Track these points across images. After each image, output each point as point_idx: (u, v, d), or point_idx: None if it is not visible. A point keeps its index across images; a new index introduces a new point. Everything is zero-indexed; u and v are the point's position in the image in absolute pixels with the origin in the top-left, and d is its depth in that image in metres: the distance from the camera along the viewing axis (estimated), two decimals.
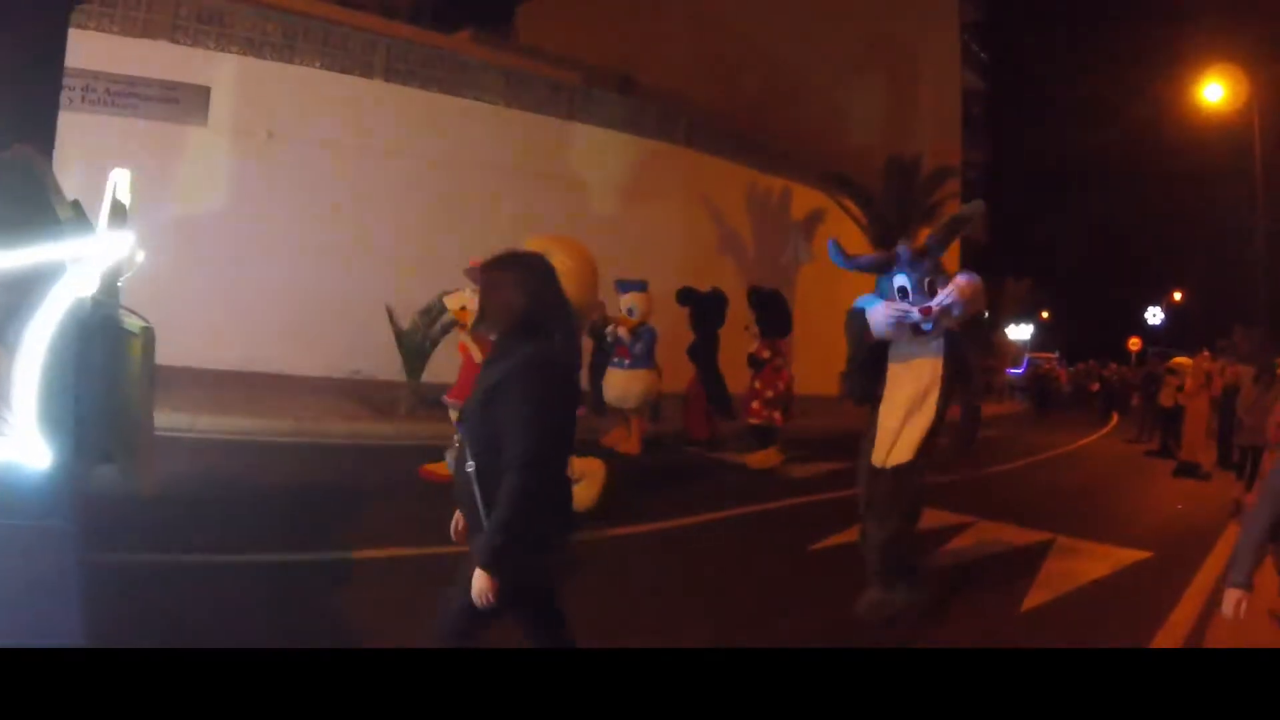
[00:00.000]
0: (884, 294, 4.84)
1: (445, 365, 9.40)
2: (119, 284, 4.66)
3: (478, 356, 7.09)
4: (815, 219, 23.15)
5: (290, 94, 14.68)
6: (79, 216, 3.65)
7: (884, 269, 4.90)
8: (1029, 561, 6.41)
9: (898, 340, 4.83)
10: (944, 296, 4.64)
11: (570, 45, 26.51)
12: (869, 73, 30.48)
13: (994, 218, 41.86)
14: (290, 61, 15.06)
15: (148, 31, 13.76)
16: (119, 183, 5.36)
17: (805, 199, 23.20)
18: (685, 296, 11.85)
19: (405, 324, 10.91)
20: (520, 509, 2.56)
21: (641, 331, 10.42)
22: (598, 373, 10.62)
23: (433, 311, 10.41)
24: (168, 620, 3.91)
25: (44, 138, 6.45)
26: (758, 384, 10.09)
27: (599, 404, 10.51)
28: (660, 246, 17.48)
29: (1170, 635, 4.91)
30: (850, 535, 5.59)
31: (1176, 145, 36.59)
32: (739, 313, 11.11)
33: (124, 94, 13.41)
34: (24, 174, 3.09)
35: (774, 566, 6.08)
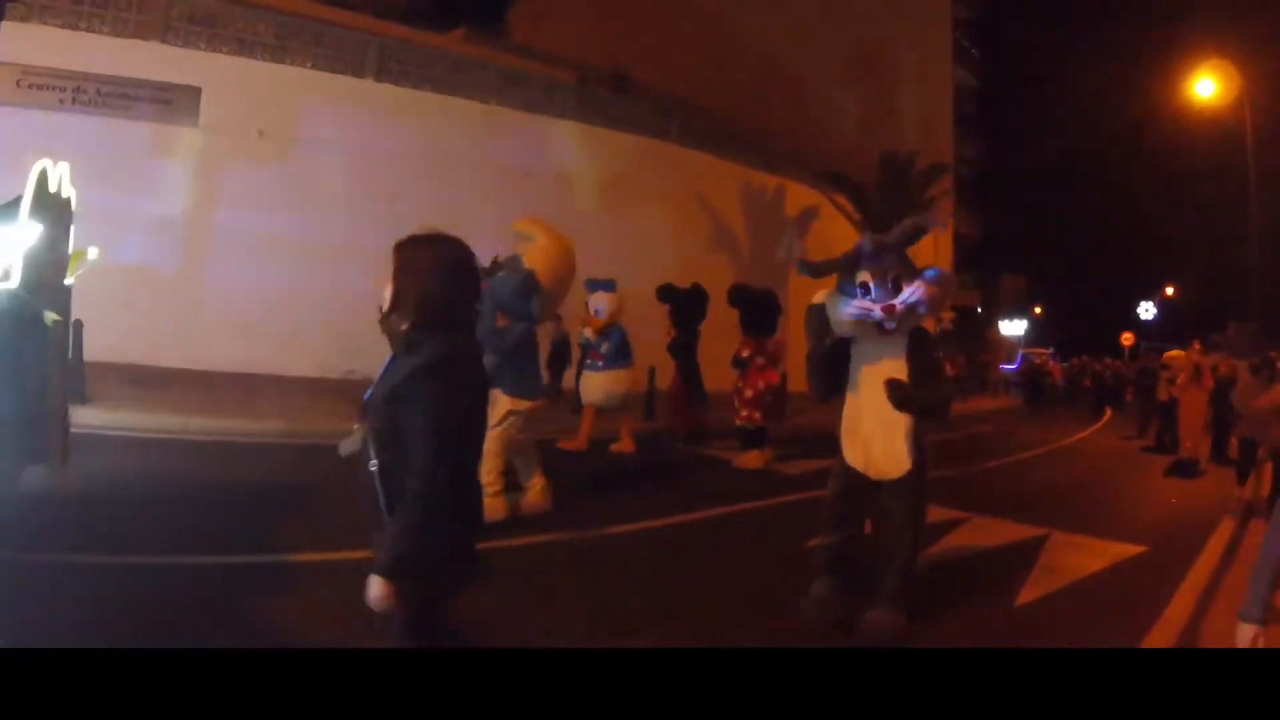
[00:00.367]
0: (846, 290, 4.65)
1: None
2: (42, 277, 4.64)
3: None
4: (809, 216, 23.17)
5: (282, 94, 14.66)
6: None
7: (848, 266, 4.69)
8: (1024, 556, 6.41)
9: (861, 339, 4.66)
10: (909, 294, 4.45)
11: (563, 44, 26.50)
12: (862, 70, 30.53)
13: (987, 214, 42.03)
14: (282, 62, 15.05)
15: (139, 32, 13.74)
16: (50, 175, 5.36)
17: (799, 196, 23.23)
18: (666, 293, 11.78)
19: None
20: (423, 516, 2.44)
21: (609, 332, 10.27)
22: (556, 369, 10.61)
23: None
24: (165, 620, 3.90)
25: None
26: (740, 383, 10.07)
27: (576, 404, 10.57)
28: (654, 244, 17.49)
29: (1165, 629, 4.91)
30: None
31: (1169, 140, 36.77)
32: (727, 311, 11.03)
33: (116, 95, 13.38)
34: None
35: (767, 565, 6.07)
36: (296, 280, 13.58)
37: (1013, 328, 48.22)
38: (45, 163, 5.38)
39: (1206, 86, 19.62)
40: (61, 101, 13.02)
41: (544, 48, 24.48)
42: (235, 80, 14.27)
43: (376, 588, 2.42)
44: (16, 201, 4.99)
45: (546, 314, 6.81)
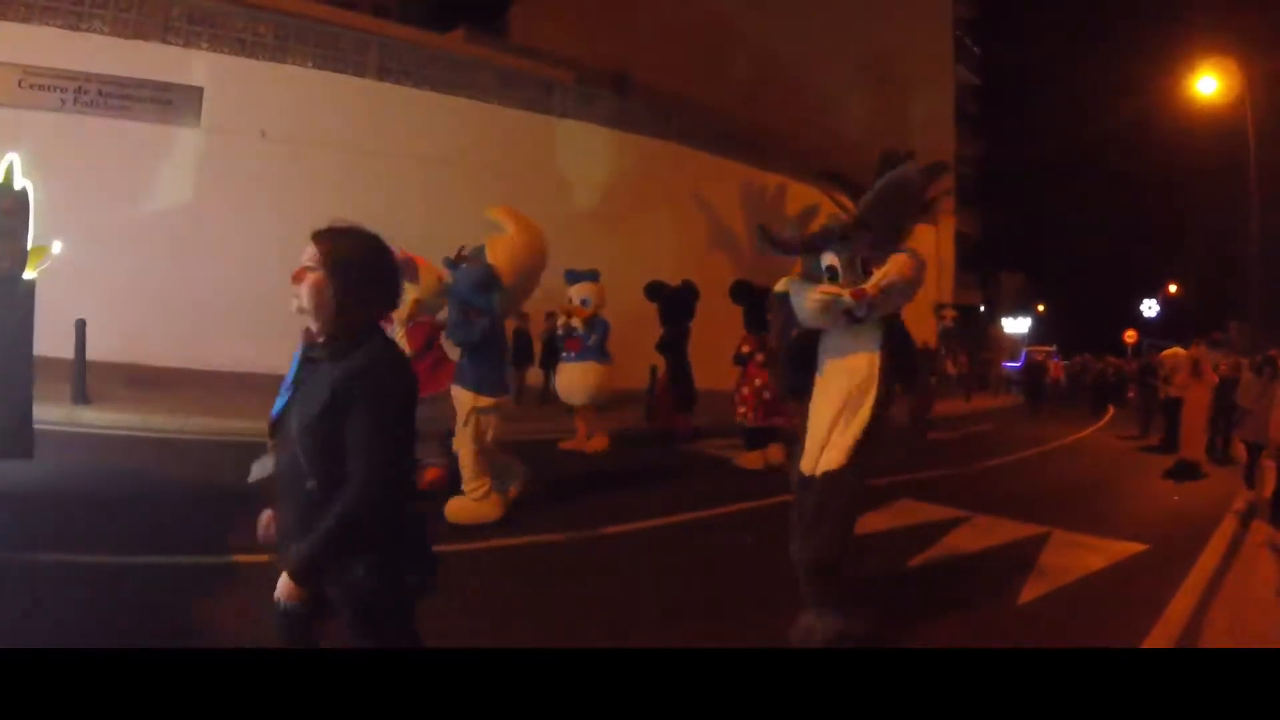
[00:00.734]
0: (812, 275, 4.20)
1: None
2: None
3: (405, 350, 6.94)
4: (810, 215, 22.85)
5: (283, 94, 14.67)
6: None
7: (813, 247, 4.26)
8: (1025, 555, 6.40)
9: (830, 329, 4.18)
10: (879, 278, 3.98)
11: (563, 43, 26.52)
12: (863, 68, 30.50)
13: (988, 212, 42.00)
14: (283, 61, 15.08)
15: (140, 33, 13.76)
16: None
17: (799, 195, 23.18)
18: (654, 291, 11.66)
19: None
20: (354, 524, 2.25)
21: (596, 323, 10.19)
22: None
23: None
24: (164, 620, 3.91)
25: None
26: (740, 381, 9.97)
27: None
28: (654, 243, 17.49)
29: (1167, 628, 4.90)
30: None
31: (1170, 138, 36.71)
32: (728, 309, 11.01)
33: (116, 95, 13.40)
34: None
35: (767, 565, 6.07)
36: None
37: (1016, 325, 48.23)
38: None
39: (1208, 84, 19.60)
40: (63, 102, 13.03)
41: (544, 47, 24.52)
42: (236, 80, 14.28)
43: (287, 588, 2.27)
44: None
45: (512, 308, 6.61)
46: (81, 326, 9.43)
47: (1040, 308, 53.19)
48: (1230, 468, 11.66)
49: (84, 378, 9.29)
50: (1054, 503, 8.92)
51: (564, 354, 10.38)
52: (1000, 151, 43.90)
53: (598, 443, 10.27)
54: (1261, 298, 19.52)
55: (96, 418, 8.79)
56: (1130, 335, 38.14)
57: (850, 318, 4.00)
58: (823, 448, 4.10)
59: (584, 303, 10.19)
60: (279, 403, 2.48)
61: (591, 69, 23.20)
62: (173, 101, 13.82)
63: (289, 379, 2.51)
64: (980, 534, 7.10)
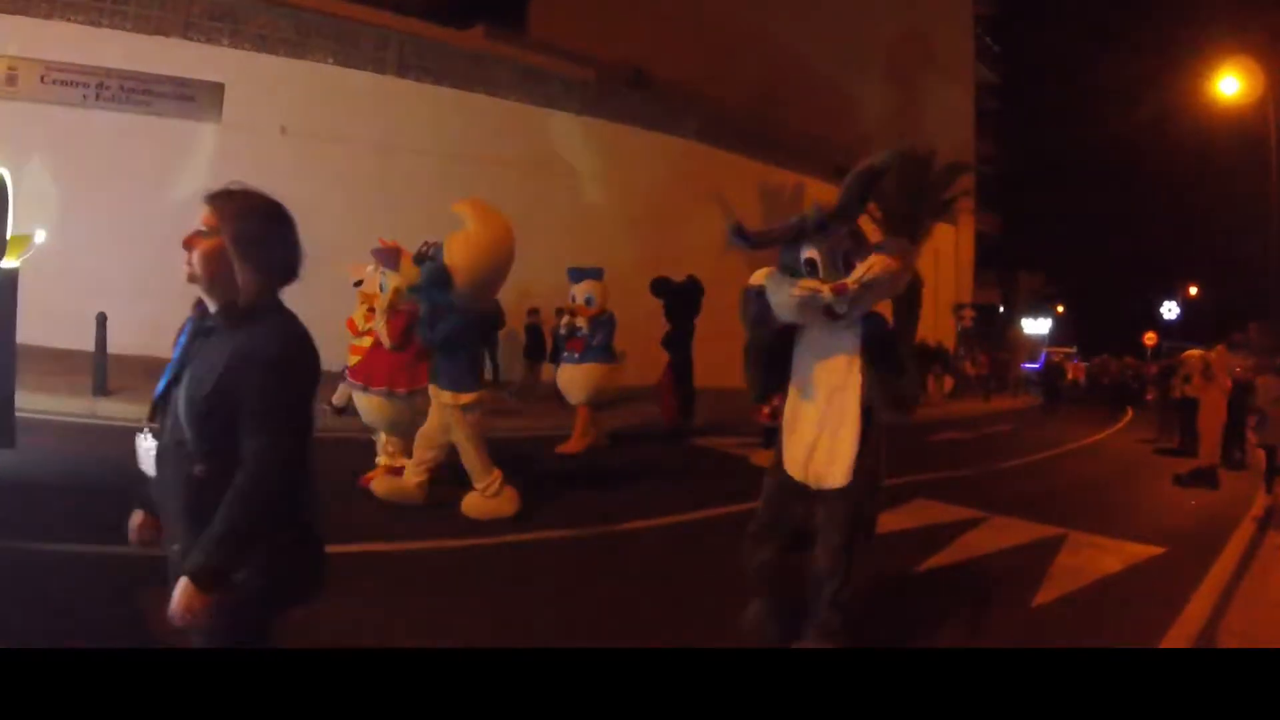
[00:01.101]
0: (789, 268, 3.91)
1: None
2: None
3: (386, 341, 6.88)
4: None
5: (304, 90, 14.76)
6: None
7: (790, 239, 3.97)
8: (1041, 557, 6.37)
9: (807, 326, 3.93)
10: (863, 271, 3.68)
11: (583, 41, 26.50)
12: (882, 67, 30.40)
13: (1007, 211, 41.78)
14: (303, 58, 15.16)
15: (161, 29, 13.86)
16: None
17: (818, 193, 22.99)
18: (659, 287, 11.43)
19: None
20: (256, 513, 2.04)
21: (600, 322, 9.83)
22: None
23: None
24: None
25: None
26: None
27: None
28: (672, 241, 17.47)
29: (1183, 631, 4.87)
30: None
31: (1191, 139, 36.39)
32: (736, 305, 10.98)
33: (138, 91, 13.51)
34: None
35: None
36: (317, 276, 13.59)
37: (1036, 326, 47.89)
38: None
39: (1230, 84, 19.40)
40: (85, 97, 13.15)
41: (563, 44, 24.50)
42: (257, 76, 14.38)
43: (189, 595, 1.98)
44: None
45: (472, 304, 6.34)
46: (103, 320, 9.53)
47: (1060, 309, 52.83)
48: (1237, 471, 11.56)
49: (105, 370, 9.37)
50: (1071, 504, 8.88)
51: (566, 354, 10.05)
52: (1020, 150, 43.71)
53: (574, 445, 9.76)
54: None
55: (117, 410, 8.85)
56: (1150, 337, 37.84)
57: (830, 314, 3.75)
58: (811, 450, 3.89)
59: (588, 301, 9.84)
60: (163, 381, 2.26)
61: (610, 66, 23.18)
62: (194, 97, 13.93)
63: (176, 355, 2.29)
64: (996, 535, 7.07)
